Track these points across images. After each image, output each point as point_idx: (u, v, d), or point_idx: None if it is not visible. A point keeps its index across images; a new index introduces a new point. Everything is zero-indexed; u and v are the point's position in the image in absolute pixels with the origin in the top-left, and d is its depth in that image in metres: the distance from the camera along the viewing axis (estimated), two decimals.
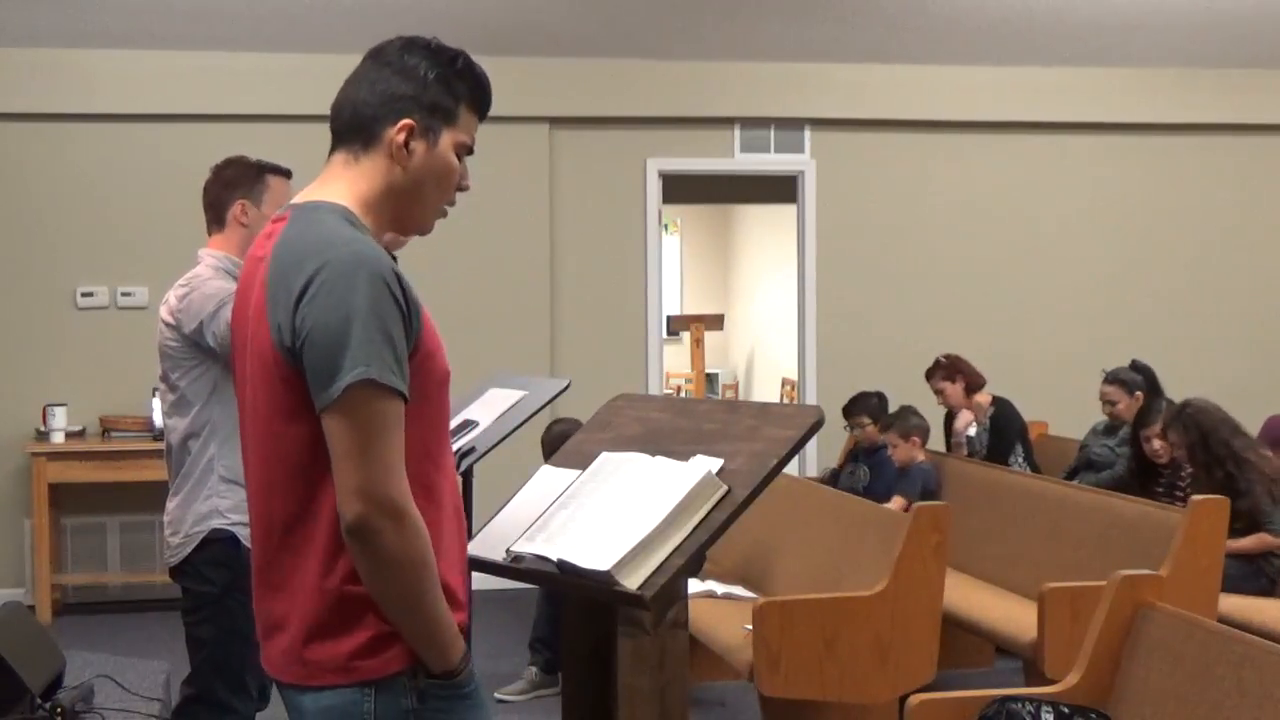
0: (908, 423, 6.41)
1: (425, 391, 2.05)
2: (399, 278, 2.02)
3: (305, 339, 1.96)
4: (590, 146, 8.14)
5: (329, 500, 2.00)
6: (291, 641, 2.07)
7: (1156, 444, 6.02)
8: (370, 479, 1.94)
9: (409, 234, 2.23)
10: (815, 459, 8.14)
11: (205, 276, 3.60)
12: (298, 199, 2.17)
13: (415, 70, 2.14)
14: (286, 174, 3.75)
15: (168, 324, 3.59)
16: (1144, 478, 6.14)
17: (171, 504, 3.62)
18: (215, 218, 3.71)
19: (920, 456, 6.39)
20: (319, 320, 1.95)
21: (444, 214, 2.24)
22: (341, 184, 2.14)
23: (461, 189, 2.20)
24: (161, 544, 3.75)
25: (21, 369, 7.55)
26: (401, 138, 2.11)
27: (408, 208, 2.16)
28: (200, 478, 3.55)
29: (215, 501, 3.53)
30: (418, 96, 2.12)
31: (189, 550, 3.56)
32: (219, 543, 3.53)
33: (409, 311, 2.02)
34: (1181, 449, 5.55)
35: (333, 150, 2.18)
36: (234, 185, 3.68)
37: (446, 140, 2.15)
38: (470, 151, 2.20)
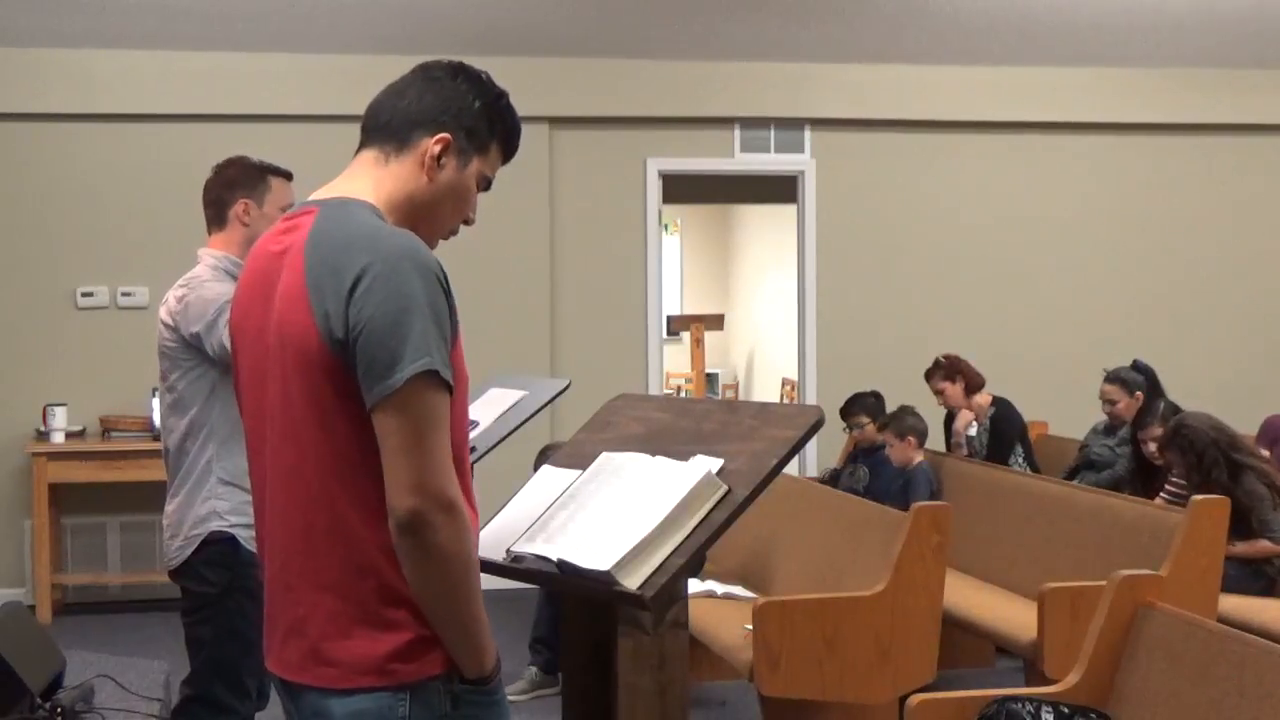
0: (904, 423, 6.40)
1: (453, 393, 2.04)
2: (445, 273, 2.02)
3: (362, 330, 1.94)
4: (590, 146, 8.14)
5: (361, 497, 1.98)
6: (316, 643, 2.03)
7: (1153, 446, 6.02)
8: (426, 473, 1.93)
9: None
10: (815, 459, 8.15)
11: (204, 278, 3.59)
12: (322, 194, 2.16)
13: (464, 94, 2.17)
14: (288, 176, 3.75)
15: (166, 325, 3.59)
16: (1144, 477, 6.13)
17: (170, 506, 3.61)
18: (216, 216, 3.70)
19: (918, 457, 6.38)
20: (377, 311, 1.94)
21: (446, 238, 2.26)
22: (368, 182, 2.14)
23: (467, 222, 2.24)
24: (162, 544, 3.76)
25: (22, 369, 7.55)
26: (437, 149, 2.14)
27: (421, 221, 2.16)
28: (199, 480, 3.55)
29: (214, 504, 3.53)
30: (460, 117, 2.16)
31: (188, 553, 3.56)
32: (218, 544, 3.52)
33: (452, 307, 2.02)
34: (1180, 469, 5.54)
35: (362, 147, 2.19)
36: (237, 184, 3.68)
37: (474, 167, 2.18)
38: (488, 187, 2.23)
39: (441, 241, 2.25)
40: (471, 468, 4.30)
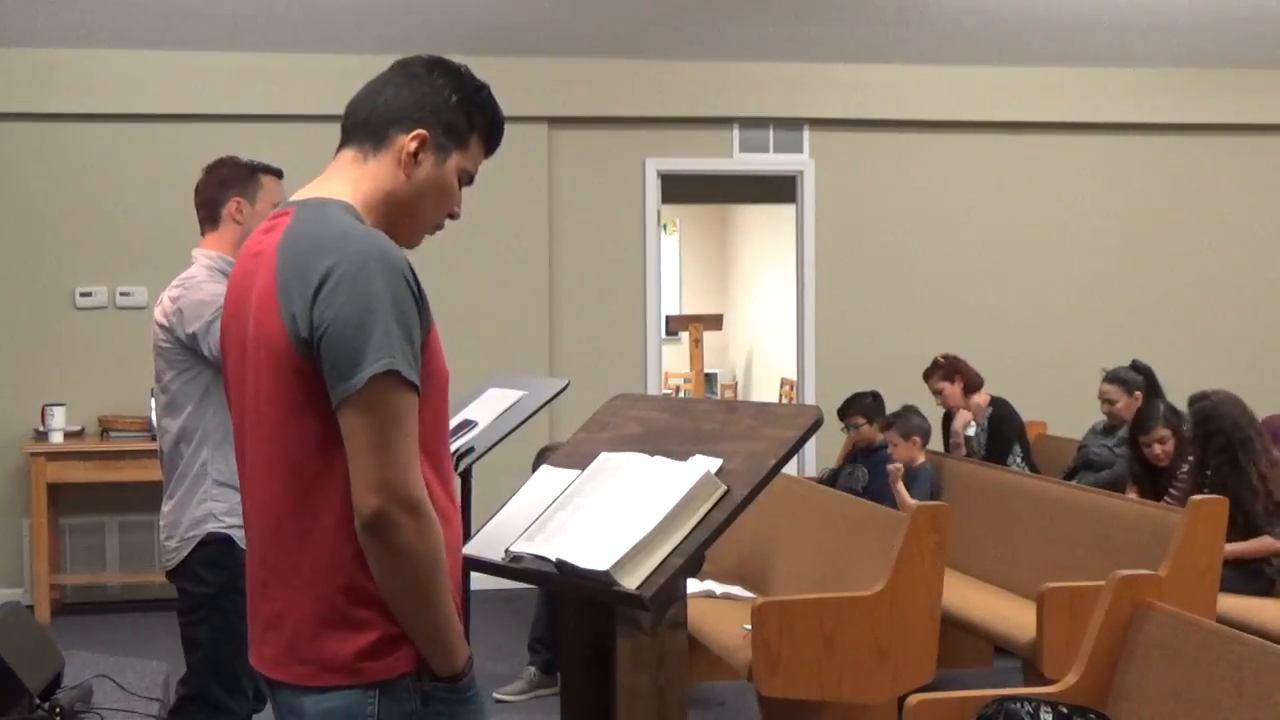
0: (908, 423, 6.40)
1: (427, 391, 2.04)
2: (414, 273, 2.02)
3: (326, 330, 1.95)
4: (589, 146, 8.14)
5: (332, 497, 2.00)
6: (291, 640, 2.05)
7: (1157, 449, 6.01)
8: (390, 473, 1.94)
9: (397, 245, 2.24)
10: (814, 459, 8.15)
11: (200, 279, 3.59)
12: (302, 194, 2.17)
13: (440, 89, 2.16)
14: (278, 174, 3.76)
15: (161, 325, 3.59)
16: (1149, 479, 6.10)
17: (166, 508, 3.62)
18: (209, 216, 3.71)
19: (921, 457, 6.38)
20: (341, 311, 1.95)
21: (431, 233, 2.25)
22: (346, 182, 2.15)
23: (452, 216, 2.22)
24: (159, 544, 3.76)
25: (20, 369, 7.55)
26: (413, 146, 2.13)
27: (401, 219, 2.16)
28: (194, 482, 3.55)
29: (210, 505, 3.53)
30: (437, 112, 2.15)
31: (184, 554, 3.57)
32: (215, 544, 3.53)
33: (421, 307, 2.02)
34: (1191, 436, 5.54)
35: (342, 146, 2.19)
36: (229, 183, 3.69)
37: (453, 162, 2.17)
38: (470, 181, 2.22)
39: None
40: (469, 467, 4.30)
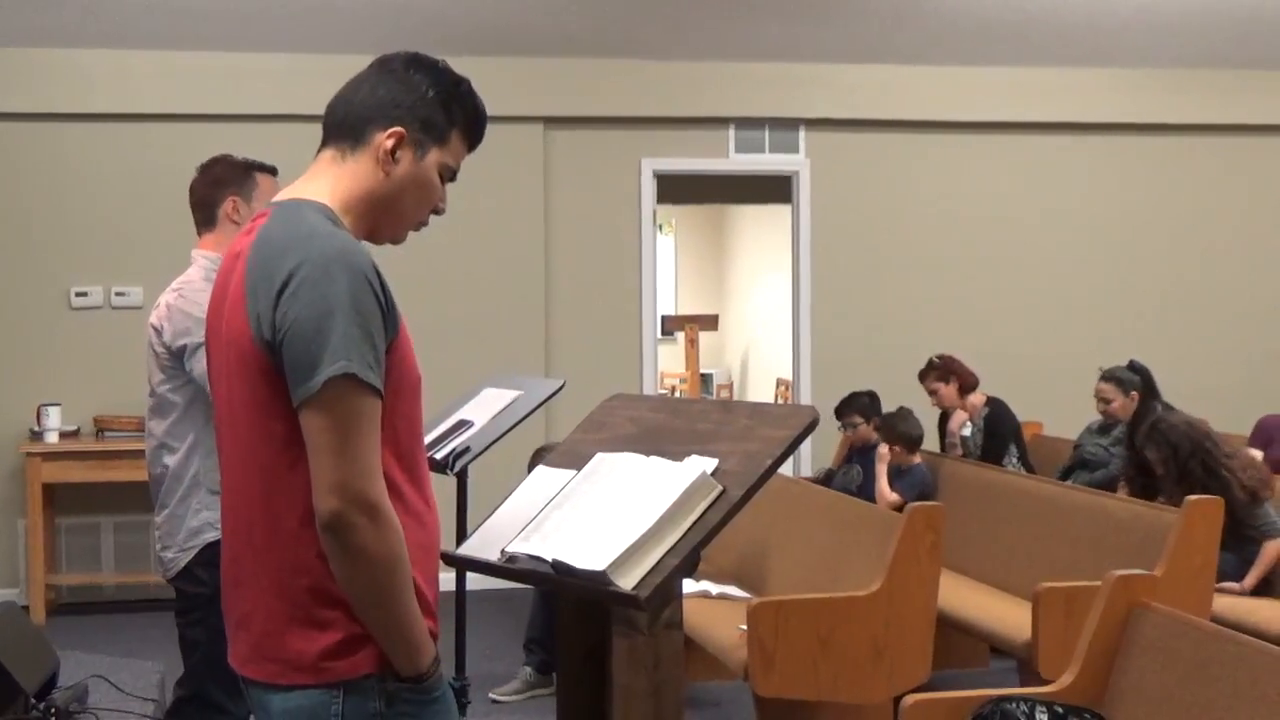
0: (894, 429, 6.39)
1: (399, 393, 2.05)
2: (379, 275, 2.02)
3: (287, 332, 1.96)
4: (585, 146, 8.14)
5: (296, 498, 2.00)
6: (259, 639, 2.07)
7: None
8: (347, 475, 1.94)
9: (380, 243, 2.23)
10: (810, 459, 8.15)
11: (197, 286, 3.58)
12: (282, 195, 2.18)
13: (417, 85, 2.15)
14: (273, 171, 3.74)
15: (155, 328, 3.58)
16: (1139, 479, 6.10)
17: (159, 517, 3.61)
18: (205, 217, 3.70)
19: (915, 459, 6.38)
20: (301, 313, 1.95)
21: (416, 230, 2.25)
22: (325, 182, 2.15)
23: (436, 212, 2.22)
24: (155, 552, 3.75)
25: (15, 369, 7.55)
26: (390, 143, 2.13)
27: (383, 216, 2.17)
28: (187, 492, 3.54)
29: (206, 515, 3.52)
30: (414, 108, 2.14)
31: (183, 563, 3.56)
32: (212, 545, 3.52)
33: (387, 309, 2.02)
34: (1159, 464, 5.59)
35: (322, 146, 2.19)
36: (224, 183, 3.67)
37: (433, 158, 2.17)
38: (453, 177, 2.21)
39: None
40: (465, 468, 4.30)
